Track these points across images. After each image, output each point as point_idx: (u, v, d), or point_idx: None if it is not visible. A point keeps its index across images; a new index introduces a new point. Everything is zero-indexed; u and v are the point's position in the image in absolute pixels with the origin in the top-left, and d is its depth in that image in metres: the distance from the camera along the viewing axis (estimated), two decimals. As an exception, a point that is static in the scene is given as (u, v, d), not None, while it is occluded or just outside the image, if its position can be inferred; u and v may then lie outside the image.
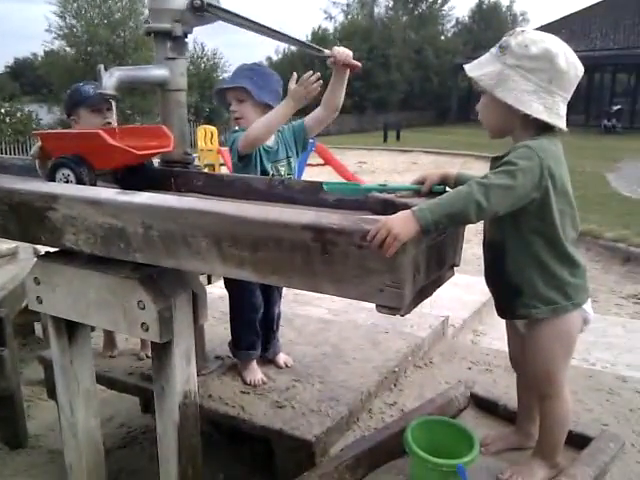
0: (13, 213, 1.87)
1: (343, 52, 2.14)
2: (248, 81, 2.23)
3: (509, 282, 1.67)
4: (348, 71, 2.20)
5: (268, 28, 2.18)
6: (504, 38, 1.60)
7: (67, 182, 1.94)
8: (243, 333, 2.46)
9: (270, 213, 1.53)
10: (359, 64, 2.18)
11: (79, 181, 1.92)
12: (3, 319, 2.82)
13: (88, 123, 2.38)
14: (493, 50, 1.61)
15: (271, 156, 2.31)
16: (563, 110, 1.60)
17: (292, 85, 2.15)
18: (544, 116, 1.56)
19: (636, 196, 9.64)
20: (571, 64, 1.58)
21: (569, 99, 1.62)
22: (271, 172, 2.30)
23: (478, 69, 1.62)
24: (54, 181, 1.96)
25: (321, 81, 2.15)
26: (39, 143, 2.14)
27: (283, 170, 2.35)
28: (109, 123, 2.34)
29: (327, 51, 2.16)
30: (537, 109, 1.55)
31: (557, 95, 1.57)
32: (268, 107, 2.26)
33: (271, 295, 2.51)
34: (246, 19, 2.16)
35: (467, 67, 1.64)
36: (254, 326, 2.45)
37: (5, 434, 2.92)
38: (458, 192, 1.46)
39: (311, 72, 2.13)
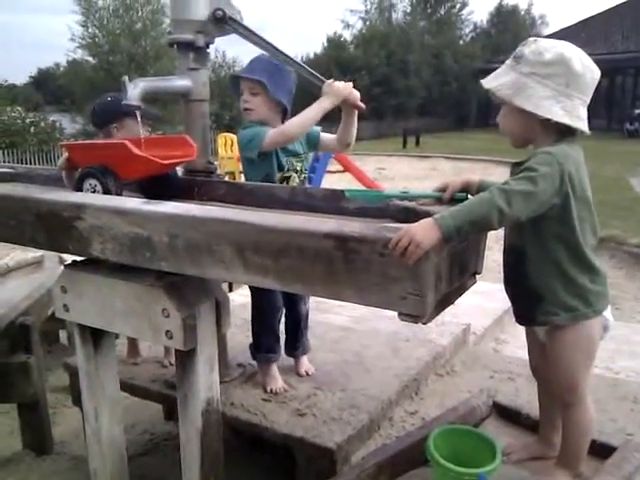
0: (41, 223, 1.91)
1: (348, 88, 2.20)
2: (267, 76, 2.22)
3: (529, 288, 1.67)
4: (356, 110, 2.28)
5: (281, 52, 2.24)
6: (518, 48, 1.62)
7: (94, 192, 1.97)
8: (262, 336, 2.47)
9: (292, 222, 1.55)
10: (363, 106, 2.27)
11: (106, 191, 1.95)
12: (30, 327, 2.86)
13: (132, 132, 2.40)
14: (508, 61, 1.64)
15: (288, 150, 2.31)
16: (583, 113, 1.61)
17: (326, 86, 2.20)
18: (565, 119, 1.57)
19: (660, 202, 9.51)
20: (586, 67, 1.59)
21: (588, 102, 1.62)
22: (286, 166, 2.31)
23: (494, 80, 1.64)
24: (81, 191, 2.00)
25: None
26: (65, 154, 2.18)
27: (299, 166, 2.35)
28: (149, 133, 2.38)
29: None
30: (557, 113, 1.56)
31: (575, 98, 1.58)
32: (280, 104, 2.29)
33: (294, 294, 2.47)
34: (263, 39, 2.22)
35: (484, 81, 1.66)
36: (273, 329, 2.46)
37: (31, 440, 2.96)
38: (480, 198, 1.47)
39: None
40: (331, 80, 2.21)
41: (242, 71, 2.33)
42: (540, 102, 1.56)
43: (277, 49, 2.23)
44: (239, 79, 2.31)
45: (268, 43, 2.22)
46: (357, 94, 2.23)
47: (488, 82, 1.65)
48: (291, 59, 2.27)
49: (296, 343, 2.57)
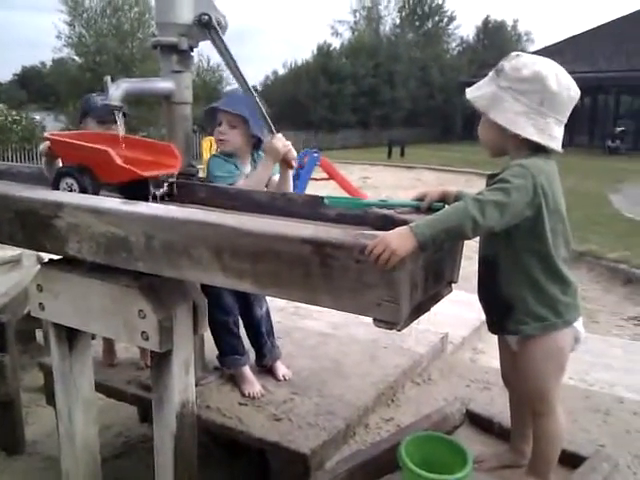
0: (19, 220, 1.90)
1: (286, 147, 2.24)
2: (247, 112, 2.28)
3: (501, 298, 1.70)
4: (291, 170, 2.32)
5: (245, 82, 2.23)
6: (500, 62, 1.65)
7: (71, 191, 1.97)
8: (222, 338, 2.46)
9: (271, 226, 1.56)
10: (294, 165, 2.32)
11: (82, 190, 1.95)
12: (5, 325, 2.84)
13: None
14: (490, 73, 1.67)
15: None
16: (557, 132, 1.62)
17: (266, 144, 2.25)
18: (535, 137, 1.59)
19: (639, 217, 9.64)
20: (563, 86, 1.61)
21: (565, 121, 1.64)
22: None
23: (476, 91, 1.68)
24: (58, 189, 1.99)
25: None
26: (47, 142, 2.17)
27: None
28: None
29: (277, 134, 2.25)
30: (528, 130, 1.59)
31: (549, 117, 1.60)
32: (254, 138, 2.35)
33: (248, 296, 2.47)
34: (234, 62, 2.21)
35: (468, 90, 1.70)
36: (230, 330, 2.43)
37: (3, 440, 2.93)
38: (455, 208, 1.50)
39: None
40: (269, 137, 2.24)
41: (222, 104, 2.37)
42: (513, 117, 1.59)
43: (243, 77, 2.23)
44: (216, 110, 2.35)
45: (237, 68, 2.22)
46: (294, 153, 2.28)
47: (470, 92, 1.69)
48: (252, 92, 2.26)
49: (262, 350, 2.56)
